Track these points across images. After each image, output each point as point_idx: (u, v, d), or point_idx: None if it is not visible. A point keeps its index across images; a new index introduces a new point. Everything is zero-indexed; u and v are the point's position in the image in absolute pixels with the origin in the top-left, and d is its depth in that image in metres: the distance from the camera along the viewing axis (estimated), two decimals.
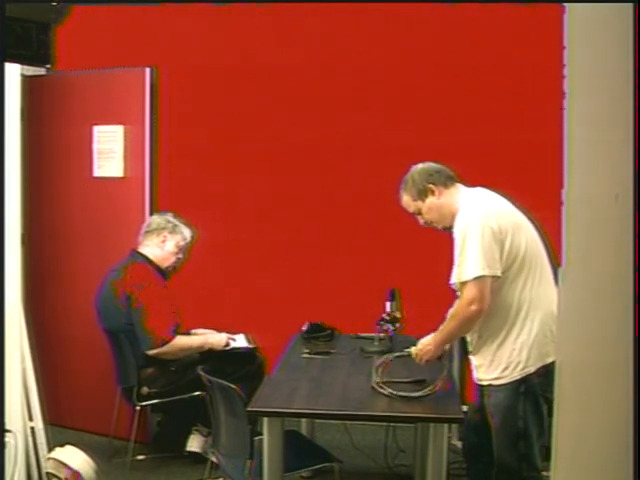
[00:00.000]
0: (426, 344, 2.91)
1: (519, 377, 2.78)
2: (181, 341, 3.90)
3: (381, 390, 2.86)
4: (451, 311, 2.84)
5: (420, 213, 2.98)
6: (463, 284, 2.76)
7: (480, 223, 2.75)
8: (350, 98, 4.58)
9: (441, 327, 2.87)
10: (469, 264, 2.72)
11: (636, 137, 1.28)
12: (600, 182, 1.34)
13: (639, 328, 1.29)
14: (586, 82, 1.37)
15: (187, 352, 3.90)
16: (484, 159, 4.33)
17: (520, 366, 2.78)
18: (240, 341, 4.07)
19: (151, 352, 3.80)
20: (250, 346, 4.04)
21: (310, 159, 4.66)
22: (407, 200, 3.00)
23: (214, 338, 4.02)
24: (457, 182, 2.97)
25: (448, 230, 2.89)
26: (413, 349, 2.95)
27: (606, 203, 1.32)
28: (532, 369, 2.77)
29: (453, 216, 2.86)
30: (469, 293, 2.73)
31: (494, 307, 2.77)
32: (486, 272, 2.71)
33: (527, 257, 2.79)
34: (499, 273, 2.75)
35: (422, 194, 2.94)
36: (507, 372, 2.80)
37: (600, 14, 1.34)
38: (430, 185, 2.93)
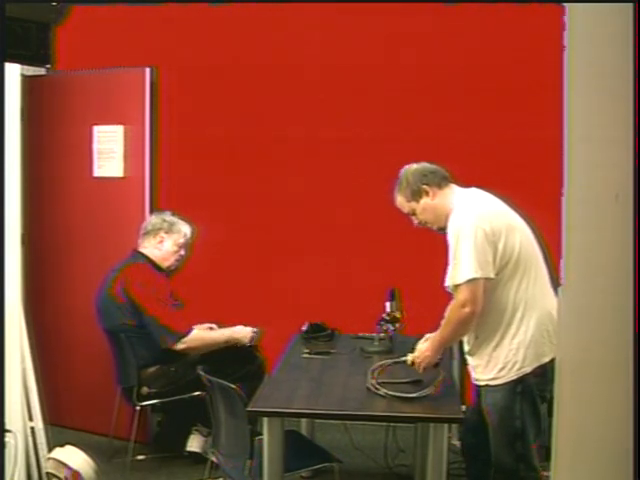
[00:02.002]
0: (423, 350, 2.90)
1: (516, 377, 2.77)
2: (207, 335, 3.89)
3: (376, 391, 2.86)
4: (445, 315, 2.84)
5: (414, 214, 2.97)
6: (456, 287, 2.75)
7: (473, 225, 2.74)
8: (350, 97, 4.58)
9: (436, 332, 2.86)
10: (462, 267, 2.72)
11: (636, 137, 1.28)
12: (600, 182, 1.35)
13: (639, 328, 1.29)
14: (586, 82, 1.37)
15: (213, 346, 3.87)
16: (484, 159, 4.33)
17: (517, 366, 2.77)
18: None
19: (178, 347, 3.78)
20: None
21: (310, 158, 4.66)
22: (401, 201, 2.99)
23: (240, 333, 3.98)
24: (451, 183, 2.96)
25: (442, 231, 2.88)
26: (410, 357, 2.94)
27: (606, 203, 1.32)
28: (529, 369, 2.76)
29: (447, 217, 2.85)
30: (462, 296, 2.73)
31: (489, 308, 2.76)
32: (479, 275, 2.70)
33: (522, 258, 2.78)
34: (492, 275, 2.74)
35: (416, 195, 2.93)
36: (504, 372, 2.79)
37: (600, 14, 1.34)
38: (424, 186, 2.91)
